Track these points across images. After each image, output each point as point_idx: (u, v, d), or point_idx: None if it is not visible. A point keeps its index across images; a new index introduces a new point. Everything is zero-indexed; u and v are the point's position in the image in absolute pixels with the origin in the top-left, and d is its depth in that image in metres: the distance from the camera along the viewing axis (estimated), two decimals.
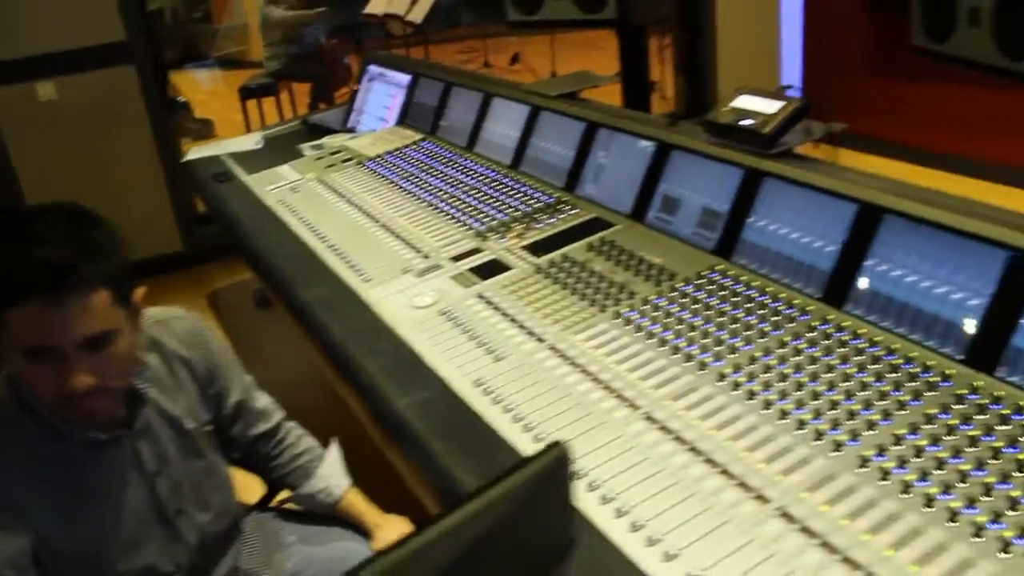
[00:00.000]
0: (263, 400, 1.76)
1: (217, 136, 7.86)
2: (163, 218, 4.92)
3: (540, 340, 1.68)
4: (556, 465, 0.81)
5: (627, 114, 2.34)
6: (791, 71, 5.91)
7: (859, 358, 1.44)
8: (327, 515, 1.78)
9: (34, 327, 1.22)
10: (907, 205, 1.53)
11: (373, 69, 3.80)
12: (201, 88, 10.33)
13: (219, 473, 1.61)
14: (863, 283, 1.55)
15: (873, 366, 1.42)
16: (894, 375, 1.39)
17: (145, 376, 1.46)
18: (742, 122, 1.86)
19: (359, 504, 1.75)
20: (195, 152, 3.72)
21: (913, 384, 1.36)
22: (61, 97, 4.55)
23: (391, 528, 1.70)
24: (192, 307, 4.57)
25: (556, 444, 0.82)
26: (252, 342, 4.06)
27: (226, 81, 9.89)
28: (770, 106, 1.85)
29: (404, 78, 3.48)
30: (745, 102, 1.90)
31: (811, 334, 1.53)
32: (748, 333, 1.56)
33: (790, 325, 1.57)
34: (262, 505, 1.87)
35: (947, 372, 1.38)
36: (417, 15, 7.01)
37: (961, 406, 1.30)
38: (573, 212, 2.22)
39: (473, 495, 0.71)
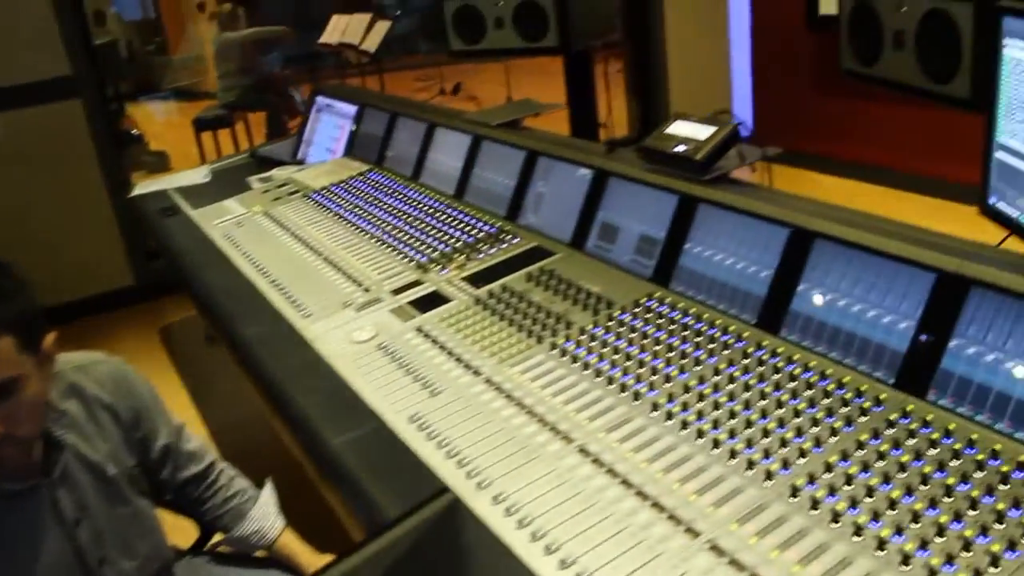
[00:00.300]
0: (193, 442, 1.73)
1: (172, 168, 7.80)
2: (114, 253, 4.85)
3: (476, 373, 1.66)
4: (445, 512, 0.79)
5: (566, 142, 2.34)
6: (741, 92, 5.98)
7: (792, 384, 1.44)
8: (262, 557, 1.74)
9: None
10: (836, 229, 1.53)
11: (321, 100, 3.78)
12: (156, 120, 10.26)
13: (146, 518, 1.58)
14: (797, 308, 1.55)
15: (806, 392, 1.41)
16: (827, 400, 1.38)
17: (63, 422, 1.42)
18: (676, 148, 1.86)
19: (294, 545, 1.72)
20: (141, 187, 3.67)
21: (845, 410, 1.36)
22: (5, 133, 4.49)
23: None
24: (144, 342, 4.53)
25: (444, 490, 0.80)
26: (203, 378, 4.00)
27: (181, 112, 9.83)
28: (703, 132, 1.85)
29: (351, 109, 3.46)
30: (679, 128, 1.91)
31: (746, 361, 1.52)
32: (683, 361, 1.55)
33: (725, 352, 1.56)
34: (196, 549, 1.83)
35: (880, 397, 1.37)
36: (371, 44, 7.00)
37: (892, 431, 1.29)
38: (515, 242, 2.21)
39: (361, 544, 0.70)
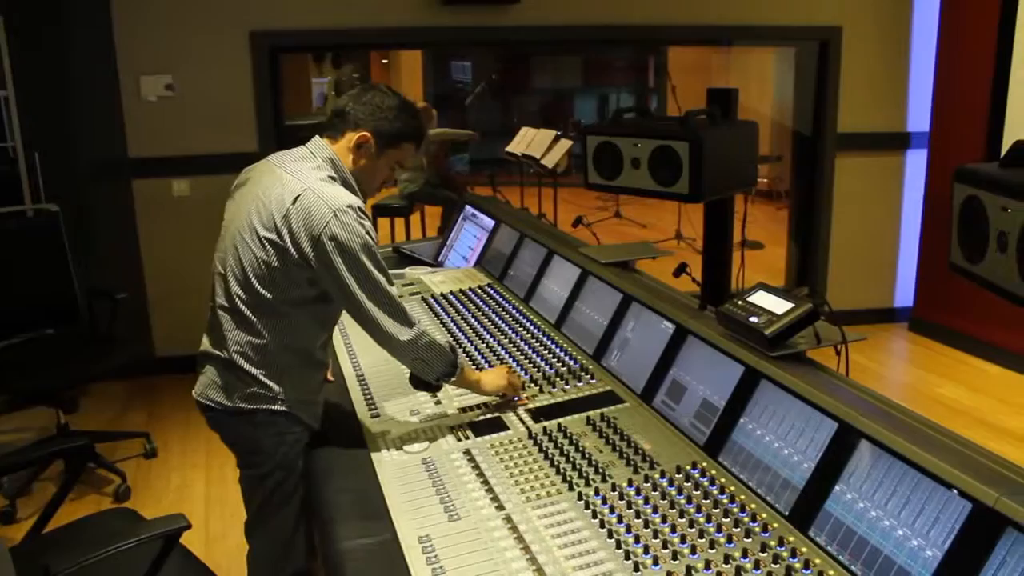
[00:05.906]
0: None
1: None
2: None
3: (500, 507, 1.65)
4: None
5: (663, 292, 2.32)
6: (907, 258, 5.82)
7: None
8: None
9: None
10: (884, 433, 1.44)
11: (468, 209, 3.94)
12: None
13: None
14: (830, 508, 1.46)
15: None
16: None
17: None
18: (751, 319, 1.82)
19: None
20: None
21: None
22: (193, 194, 4.92)
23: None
24: None
25: None
26: None
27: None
28: (781, 307, 1.81)
29: (489, 222, 3.58)
30: (760, 298, 1.87)
31: (763, 554, 1.45)
32: (700, 540, 1.49)
33: (746, 540, 1.49)
34: None
35: None
36: (550, 161, 7.22)
37: None
38: (591, 382, 2.21)
39: None
